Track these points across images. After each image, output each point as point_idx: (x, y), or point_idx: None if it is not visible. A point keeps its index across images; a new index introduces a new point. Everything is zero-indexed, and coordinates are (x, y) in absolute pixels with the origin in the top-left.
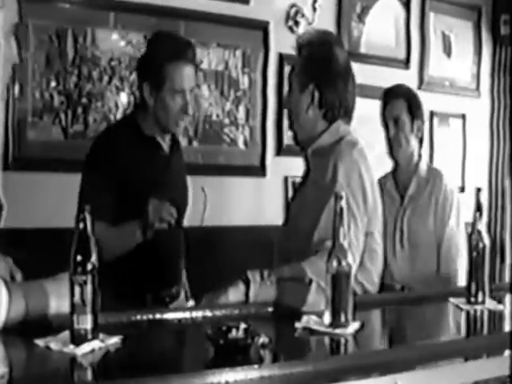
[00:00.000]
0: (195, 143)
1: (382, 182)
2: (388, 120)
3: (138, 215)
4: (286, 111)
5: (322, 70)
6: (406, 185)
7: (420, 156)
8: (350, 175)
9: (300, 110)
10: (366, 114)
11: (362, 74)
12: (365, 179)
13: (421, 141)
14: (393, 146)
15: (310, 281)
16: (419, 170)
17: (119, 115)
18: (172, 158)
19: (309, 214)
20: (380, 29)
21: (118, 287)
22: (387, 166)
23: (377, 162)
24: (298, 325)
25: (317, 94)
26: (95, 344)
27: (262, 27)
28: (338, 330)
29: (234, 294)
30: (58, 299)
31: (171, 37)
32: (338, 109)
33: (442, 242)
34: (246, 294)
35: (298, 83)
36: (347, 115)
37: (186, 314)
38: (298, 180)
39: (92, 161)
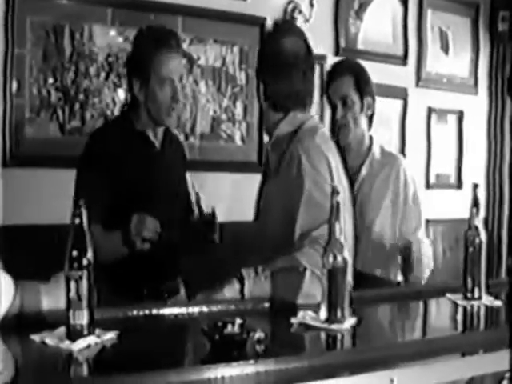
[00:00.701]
0: (192, 139)
1: None
2: (335, 100)
3: (128, 217)
4: None
5: (265, 61)
6: (357, 171)
7: (371, 138)
8: (316, 162)
9: (261, 106)
10: None
11: None
12: (332, 164)
13: (370, 119)
14: (340, 129)
15: (304, 269)
16: (372, 153)
17: (116, 111)
18: (165, 154)
19: (279, 208)
20: (377, 25)
21: (115, 281)
22: None
23: None
24: (293, 320)
25: (261, 87)
26: (91, 339)
27: (260, 23)
28: (333, 326)
29: (229, 291)
30: (49, 297)
31: (153, 29)
32: (285, 99)
33: (410, 244)
34: (241, 291)
35: (256, 79)
36: (301, 103)
37: (183, 310)
38: None
39: (85, 160)
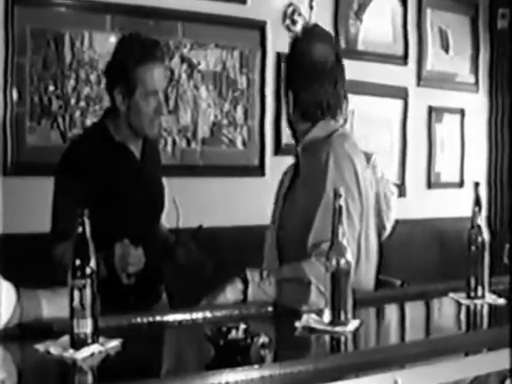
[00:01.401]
0: (194, 144)
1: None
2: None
3: (109, 228)
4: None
5: (295, 70)
6: None
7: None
8: (343, 167)
9: (289, 113)
10: (364, 110)
11: (360, 71)
12: (358, 171)
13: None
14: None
15: (309, 283)
16: None
17: None
18: (144, 164)
19: (301, 213)
20: (377, 26)
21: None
22: (387, 160)
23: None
24: (297, 324)
25: (291, 95)
26: (95, 348)
27: (260, 27)
28: (337, 328)
29: (232, 292)
30: (49, 307)
31: (138, 39)
32: (315, 109)
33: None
34: (244, 293)
35: (283, 87)
36: (331, 113)
37: (186, 316)
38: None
39: (61, 172)
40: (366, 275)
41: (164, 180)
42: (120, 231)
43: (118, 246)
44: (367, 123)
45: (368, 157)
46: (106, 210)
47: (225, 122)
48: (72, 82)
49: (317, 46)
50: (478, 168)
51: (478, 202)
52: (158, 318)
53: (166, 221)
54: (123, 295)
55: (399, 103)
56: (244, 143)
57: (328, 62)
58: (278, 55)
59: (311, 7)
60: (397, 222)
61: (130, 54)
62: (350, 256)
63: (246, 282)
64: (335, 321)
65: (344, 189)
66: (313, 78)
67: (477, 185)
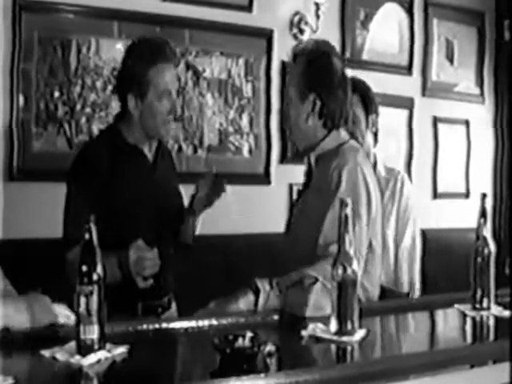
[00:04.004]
0: (200, 152)
1: None
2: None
3: (122, 232)
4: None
5: (323, 79)
6: None
7: (375, 154)
8: (355, 178)
9: (299, 119)
10: None
11: (366, 80)
12: (369, 183)
13: (375, 136)
14: None
15: (315, 281)
16: (378, 170)
17: None
18: (157, 167)
19: (312, 220)
20: (383, 35)
21: (108, 296)
22: None
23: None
24: (304, 333)
25: (318, 104)
26: (102, 354)
27: (266, 35)
28: (344, 338)
29: (244, 302)
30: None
31: (147, 41)
32: (339, 118)
33: (401, 248)
34: (255, 303)
35: (298, 92)
36: (346, 123)
37: (193, 323)
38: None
39: (74, 176)
40: (372, 282)
41: None
42: (133, 235)
43: (133, 249)
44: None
45: (395, 175)
46: (119, 213)
47: (230, 129)
48: (78, 89)
49: (337, 57)
50: (483, 179)
51: (483, 214)
52: (164, 325)
53: None
54: (132, 304)
55: (405, 113)
56: (250, 151)
57: (345, 74)
58: (284, 63)
59: (318, 16)
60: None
61: (140, 56)
62: (356, 265)
63: (257, 292)
64: (341, 330)
65: (355, 199)
66: (340, 88)
67: (484, 196)
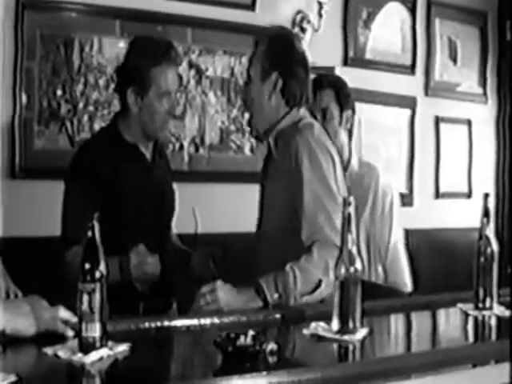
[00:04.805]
0: (202, 150)
1: None
2: (315, 112)
3: (121, 231)
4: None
5: (284, 58)
6: None
7: (350, 150)
8: (314, 149)
9: (261, 99)
10: (373, 119)
11: (368, 80)
12: (330, 149)
13: (350, 133)
14: None
15: (320, 281)
16: (351, 165)
17: None
18: (155, 166)
19: (284, 205)
20: (386, 35)
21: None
22: (395, 170)
23: (385, 166)
24: (306, 331)
25: (280, 82)
26: (104, 352)
27: None
28: (346, 337)
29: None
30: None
31: (151, 40)
32: (300, 96)
33: (387, 249)
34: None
35: (260, 72)
36: (307, 103)
37: (194, 321)
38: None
39: (72, 175)
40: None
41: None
42: (132, 234)
43: (134, 253)
44: (375, 132)
45: (370, 170)
46: (117, 212)
47: (232, 128)
48: (80, 87)
49: (298, 41)
50: (485, 179)
51: (486, 213)
52: (166, 323)
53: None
54: (134, 304)
55: (407, 113)
56: (252, 150)
57: (306, 58)
58: None
59: (320, 15)
60: (406, 232)
61: (144, 54)
62: (359, 264)
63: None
64: (343, 329)
65: (318, 168)
66: (301, 69)
67: (486, 196)
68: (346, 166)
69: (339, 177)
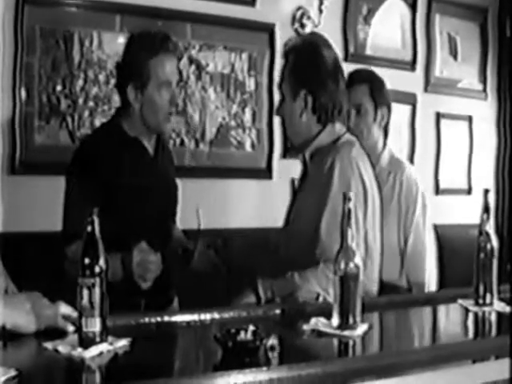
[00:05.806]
0: (202, 146)
1: None
2: (349, 108)
3: (123, 225)
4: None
5: (311, 74)
6: None
7: (384, 146)
8: (349, 176)
9: (294, 117)
10: None
11: None
12: (365, 179)
13: (385, 130)
14: None
15: (318, 295)
16: (380, 161)
17: None
18: (158, 160)
19: (308, 218)
20: (386, 31)
21: (111, 291)
22: None
23: None
24: (306, 327)
25: (310, 99)
26: (103, 347)
27: (268, 29)
28: (346, 332)
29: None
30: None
31: (148, 34)
32: (332, 111)
33: (407, 243)
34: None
35: (290, 90)
36: (341, 115)
37: (195, 317)
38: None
39: (73, 170)
40: (369, 276)
41: None
42: (135, 229)
43: (137, 251)
44: None
45: (399, 167)
46: (120, 207)
47: (233, 123)
48: (80, 82)
49: (327, 48)
50: (485, 175)
51: (486, 209)
52: (166, 319)
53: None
54: (135, 299)
55: (407, 109)
56: (253, 145)
57: (337, 64)
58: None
59: (320, 11)
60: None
61: (141, 47)
62: (358, 260)
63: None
64: (343, 325)
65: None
66: (330, 80)
67: (486, 192)
68: (375, 162)
69: (369, 193)
